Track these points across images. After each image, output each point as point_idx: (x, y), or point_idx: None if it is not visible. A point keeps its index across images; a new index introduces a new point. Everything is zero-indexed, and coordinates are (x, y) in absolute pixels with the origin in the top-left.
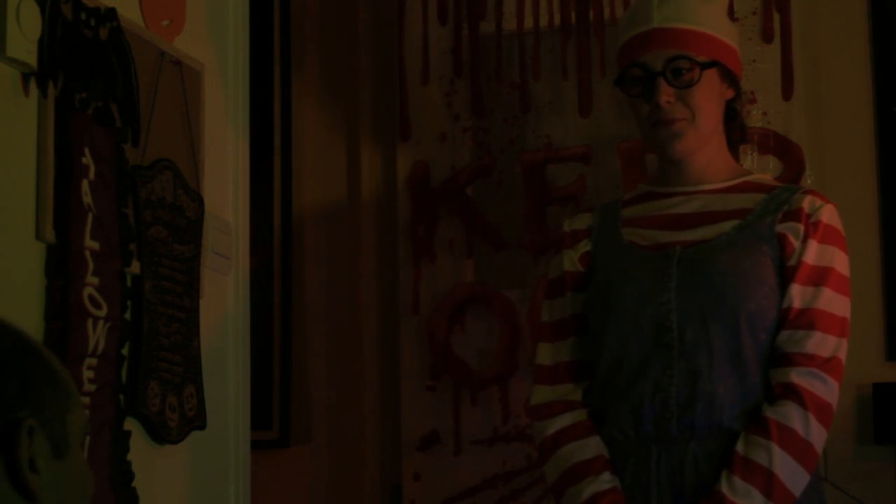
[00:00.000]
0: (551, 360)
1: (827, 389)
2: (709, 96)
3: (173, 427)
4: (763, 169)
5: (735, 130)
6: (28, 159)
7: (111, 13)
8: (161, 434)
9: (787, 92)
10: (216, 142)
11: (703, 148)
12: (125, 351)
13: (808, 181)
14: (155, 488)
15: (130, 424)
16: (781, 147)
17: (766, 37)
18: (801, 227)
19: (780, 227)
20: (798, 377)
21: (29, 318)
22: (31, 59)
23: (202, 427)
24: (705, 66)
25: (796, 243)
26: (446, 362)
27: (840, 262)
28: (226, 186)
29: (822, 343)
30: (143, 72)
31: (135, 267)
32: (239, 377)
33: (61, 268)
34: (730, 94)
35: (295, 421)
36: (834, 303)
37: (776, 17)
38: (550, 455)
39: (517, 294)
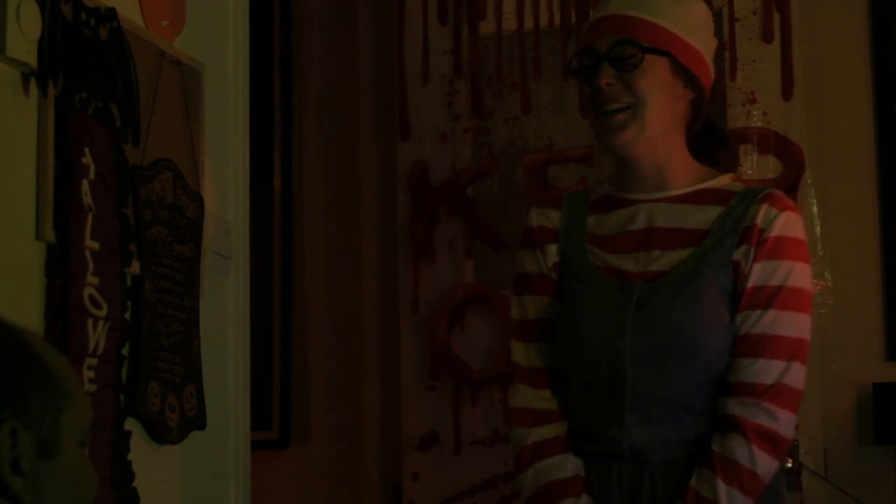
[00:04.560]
0: (527, 361)
1: (770, 418)
2: (655, 86)
3: (173, 427)
4: (763, 169)
5: (704, 134)
6: (28, 159)
7: (111, 13)
8: (161, 434)
9: (787, 92)
10: (216, 142)
11: (655, 149)
12: (125, 351)
13: (809, 181)
14: (155, 488)
15: (130, 424)
16: (781, 147)
17: (766, 37)
18: (753, 250)
19: (736, 255)
20: (738, 408)
21: (29, 318)
22: (31, 59)
23: (202, 427)
24: (649, 51)
25: (747, 268)
26: (446, 362)
27: (794, 276)
28: (226, 186)
29: (763, 371)
30: (143, 72)
31: (135, 267)
32: (239, 377)
33: (61, 268)
34: (688, 94)
35: (295, 421)
36: (781, 324)
37: (776, 17)
38: (527, 467)
39: None
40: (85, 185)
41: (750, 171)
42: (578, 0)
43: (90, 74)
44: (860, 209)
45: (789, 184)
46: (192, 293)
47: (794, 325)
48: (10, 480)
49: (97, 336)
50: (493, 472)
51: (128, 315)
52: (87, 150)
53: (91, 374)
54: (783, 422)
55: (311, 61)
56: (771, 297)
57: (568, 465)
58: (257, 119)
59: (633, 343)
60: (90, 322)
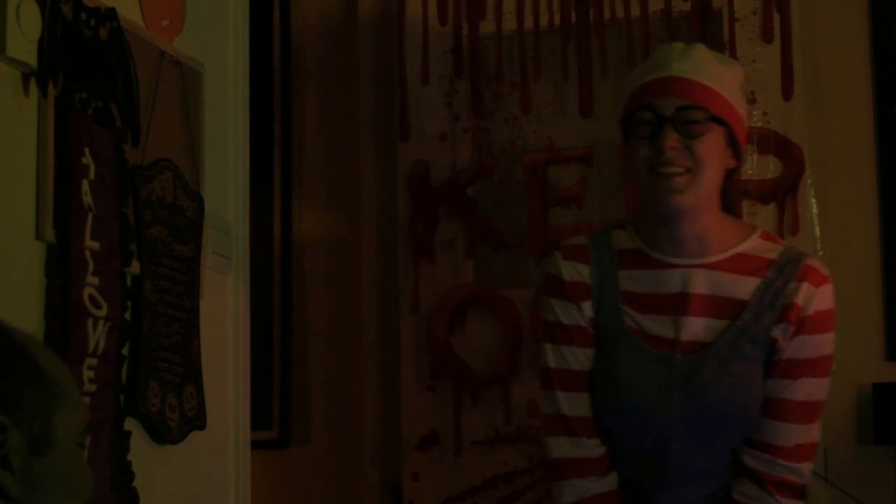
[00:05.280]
0: (572, 411)
1: (789, 471)
2: (713, 153)
3: (173, 427)
4: (763, 169)
5: (726, 201)
6: (28, 159)
7: (111, 13)
8: (161, 434)
9: (787, 92)
10: (216, 142)
11: (701, 214)
12: (125, 351)
13: (809, 181)
14: (155, 488)
15: (130, 424)
16: (781, 147)
17: (766, 37)
18: (792, 328)
19: (774, 332)
20: (759, 464)
21: (29, 318)
22: (31, 59)
23: (202, 427)
24: (716, 120)
25: (784, 343)
26: (446, 362)
27: (825, 345)
28: (226, 186)
29: (789, 434)
30: (143, 72)
31: (135, 267)
32: (239, 377)
33: (61, 268)
34: (732, 163)
35: (295, 421)
36: (809, 390)
37: (776, 17)
38: None
39: (518, 294)
40: (85, 185)
41: (750, 171)
42: (578, 0)
43: (90, 74)
44: (860, 209)
45: (789, 184)
46: (192, 293)
47: (820, 390)
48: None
49: (97, 336)
50: (494, 472)
51: (128, 315)
52: (87, 150)
53: (91, 374)
54: (803, 472)
55: (311, 61)
56: (805, 369)
57: None
58: (257, 119)
59: (679, 421)
60: (90, 322)
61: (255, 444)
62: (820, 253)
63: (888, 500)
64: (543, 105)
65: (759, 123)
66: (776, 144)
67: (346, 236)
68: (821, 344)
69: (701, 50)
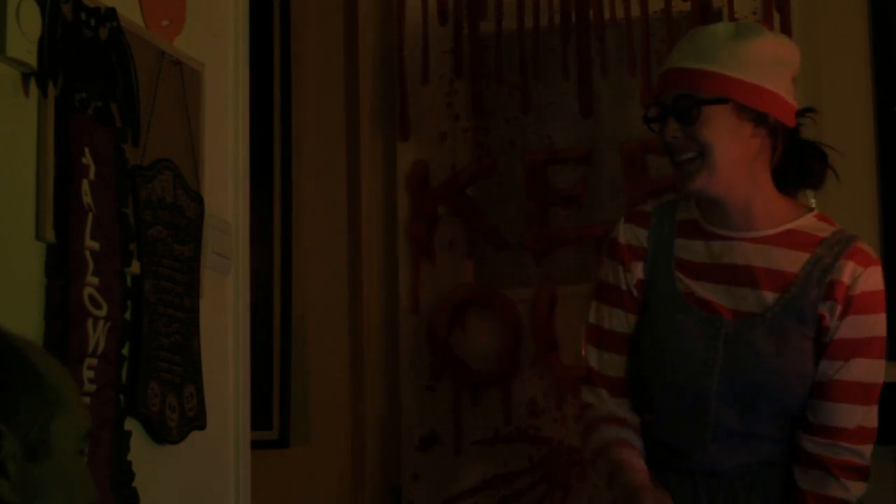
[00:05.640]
0: (602, 368)
1: (852, 454)
2: (719, 133)
3: (173, 427)
4: None
5: (792, 169)
6: (28, 159)
7: (111, 13)
8: (161, 434)
9: None
10: (216, 142)
11: (734, 189)
12: (125, 351)
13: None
14: (155, 488)
15: (130, 424)
16: None
17: None
18: (839, 307)
19: (822, 308)
20: (822, 448)
21: (29, 318)
22: (31, 59)
23: (202, 427)
24: (707, 102)
25: (832, 322)
26: (446, 362)
27: (877, 327)
28: (226, 186)
29: (846, 415)
30: (143, 72)
31: (135, 267)
32: (239, 377)
33: (61, 268)
34: (762, 131)
35: (295, 421)
36: (863, 372)
37: (776, 17)
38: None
39: (518, 294)
40: (85, 185)
41: None
42: (578, 0)
43: (90, 74)
44: (860, 209)
45: None
46: (192, 293)
47: (875, 371)
48: None
49: (97, 336)
50: (494, 472)
51: (128, 315)
52: (87, 150)
53: (91, 374)
54: (865, 454)
55: (311, 61)
56: (855, 349)
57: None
58: (257, 119)
59: (720, 380)
60: (90, 322)
61: (255, 444)
62: None
63: (888, 500)
64: (543, 105)
65: None
66: None
67: (346, 236)
68: (871, 324)
69: (713, 30)
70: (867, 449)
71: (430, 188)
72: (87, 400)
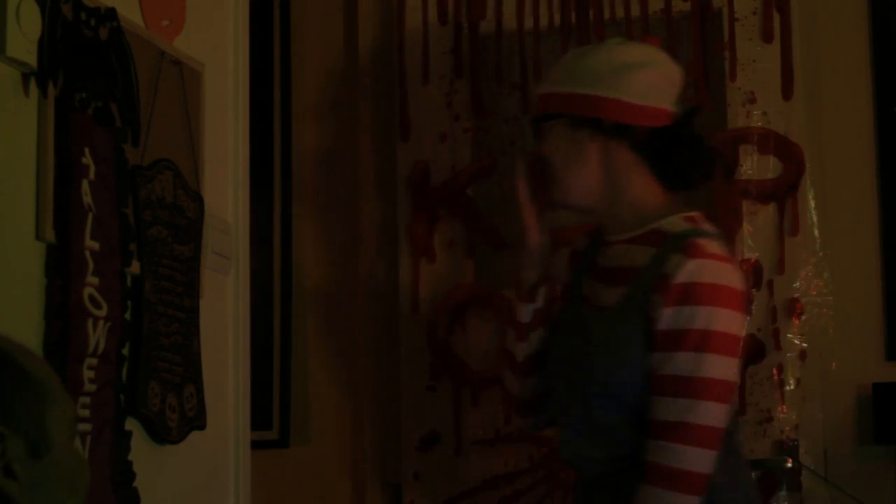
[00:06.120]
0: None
1: (675, 456)
2: (556, 146)
3: (173, 427)
4: (763, 169)
5: (673, 167)
6: (28, 159)
7: (111, 13)
8: (161, 434)
9: (787, 92)
10: (216, 142)
11: (589, 199)
12: (125, 351)
13: (809, 181)
14: (155, 488)
15: (130, 424)
16: (781, 147)
17: (766, 37)
18: (663, 298)
19: (652, 300)
20: (649, 447)
21: (29, 318)
22: (31, 59)
23: (202, 427)
24: (540, 120)
25: (657, 314)
26: (446, 362)
27: (701, 319)
28: (226, 186)
29: (668, 409)
30: (143, 72)
31: (135, 267)
32: (239, 377)
33: (61, 268)
34: (609, 139)
35: (295, 421)
36: (687, 364)
37: (776, 17)
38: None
39: None
40: (85, 185)
41: (750, 171)
42: (578, 0)
43: (90, 74)
44: (860, 209)
45: (789, 184)
46: (192, 293)
47: (700, 365)
48: (5, 485)
49: (97, 336)
50: (495, 472)
51: (128, 315)
52: (87, 150)
53: (91, 374)
54: (685, 457)
55: (311, 61)
56: (677, 341)
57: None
58: (257, 119)
59: (567, 373)
60: (90, 322)
61: (255, 444)
62: (820, 253)
63: (888, 500)
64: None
65: (759, 123)
66: (776, 144)
67: (346, 236)
68: (692, 316)
69: (566, 55)
70: (692, 452)
71: (430, 188)
72: (87, 400)
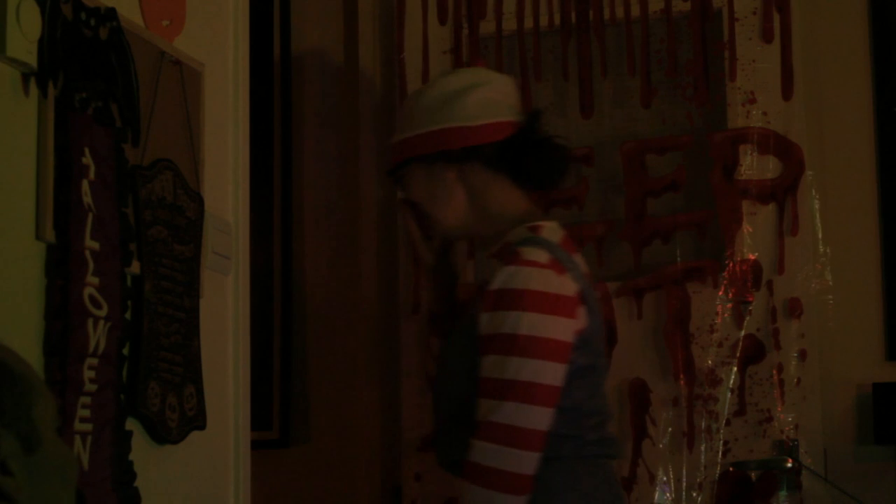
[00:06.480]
0: None
1: (478, 453)
2: (418, 190)
3: (173, 427)
4: (763, 169)
5: (524, 173)
6: (28, 159)
7: (111, 13)
8: (161, 434)
9: (787, 92)
10: (216, 142)
11: (466, 226)
12: (125, 351)
13: (809, 181)
14: (155, 488)
15: (130, 424)
16: (781, 147)
17: (766, 37)
18: (482, 304)
19: (479, 308)
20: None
21: (29, 318)
22: (31, 59)
23: (202, 427)
24: (393, 172)
25: (479, 320)
26: None
27: (510, 323)
28: (226, 186)
29: (479, 409)
30: (143, 72)
31: (135, 267)
32: (239, 377)
33: (61, 268)
34: (465, 167)
35: (295, 421)
36: (495, 367)
37: (776, 17)
38: None
39: None
40: (85, 185)
41: (750, 171)
42: (578, 0)
43: (90, 74)
44: (860, 209)
45: (789, 184)
46: (192, 293)
47: (508, 367)
48: (3, 482)
49: (97, 336)
50: None
51: (128, 315)
52: (87, 150)
53: (91, 374)
54: (480, 450)
55: (311, 61)
56: (488, 344)
57: None
58: (257, 119)
59: (435, 383)
60: (90, 322)
61: (255, 444)
62: (820, 253)
63: (888, 500)
64: (543, 105)
65: (759, 123)
66: (776, 144)
67: (346, 236)
68: (499, 321)
69: (401, 107)
70: (485, 447)
71: None
72: (88, 400)
